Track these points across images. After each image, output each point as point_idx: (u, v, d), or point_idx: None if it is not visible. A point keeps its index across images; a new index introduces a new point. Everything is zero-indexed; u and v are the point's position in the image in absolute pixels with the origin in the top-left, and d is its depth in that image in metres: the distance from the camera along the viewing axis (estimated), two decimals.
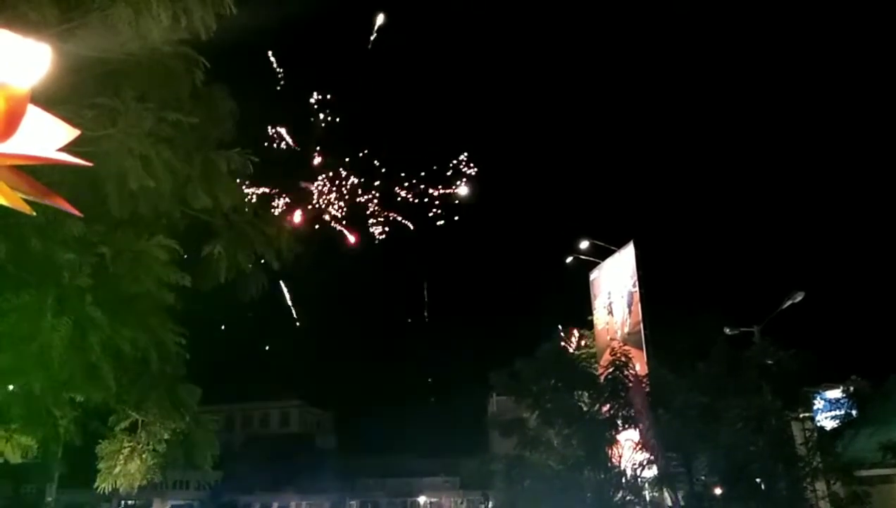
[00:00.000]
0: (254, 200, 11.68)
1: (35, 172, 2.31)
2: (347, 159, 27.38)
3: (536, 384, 18.59)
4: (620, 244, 24.06)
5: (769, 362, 15.64)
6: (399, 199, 27.88)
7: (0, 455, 11.43)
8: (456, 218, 28.30)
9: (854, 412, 18.50)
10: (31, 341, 8.46)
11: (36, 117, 2.15)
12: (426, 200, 27.88)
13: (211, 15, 8.47)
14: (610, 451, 17.47)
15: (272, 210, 11.90)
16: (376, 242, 27.40)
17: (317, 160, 26.37)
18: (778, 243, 71.17)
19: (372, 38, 26.91)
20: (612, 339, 22.58)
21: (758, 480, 15.14)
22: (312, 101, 26.48)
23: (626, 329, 22.63)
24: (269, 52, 25.53)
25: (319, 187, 26.00)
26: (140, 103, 8.41)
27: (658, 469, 14.55)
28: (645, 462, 15.59)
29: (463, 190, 28.31)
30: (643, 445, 15.35)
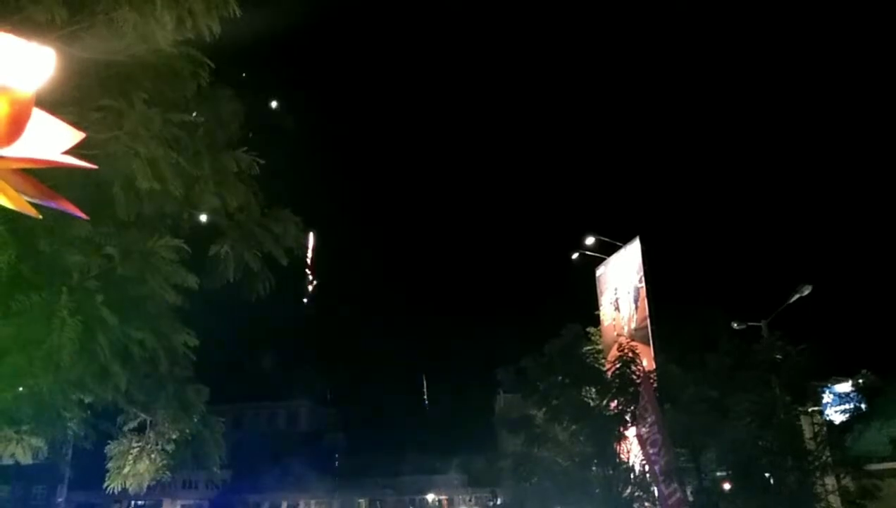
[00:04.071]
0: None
1: (40, 174, 2.33)
2: None
3: (543, 381, 18.59)
4: (626, 240, 24.01)
5: (778, 356, 15.58)
6: None
7: (10, 457, 11.50)
8: None
9: (863, 406, 18.39)
10: (40, 342, 8.50)
11: (41, 121, 2.16)
12: None
13: (214, 18, 8.49)
14: (618, 447, 17.46)
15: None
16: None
17: None
18: (785, 237, 70.86)
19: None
20: (618, 335, 22.54)
21: (766, 475, 15.10)
22: None
23: (633, 325, 22.57)
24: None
25: None
26: (146, 105, 8.43)
27: (666, 464, 14.52)
28: (652, 458, 15.60)
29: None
30: (650, 441, 15.34)
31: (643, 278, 22.38)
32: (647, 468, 16.12)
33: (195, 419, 12.05)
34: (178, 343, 10.64)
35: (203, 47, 9.09)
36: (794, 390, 15.35)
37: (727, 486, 16.03)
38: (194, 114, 9.81)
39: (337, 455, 55.84)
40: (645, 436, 15.40)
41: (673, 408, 16.02)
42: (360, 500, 54.37)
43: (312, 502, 54.24)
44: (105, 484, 12.00)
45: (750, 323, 18.21)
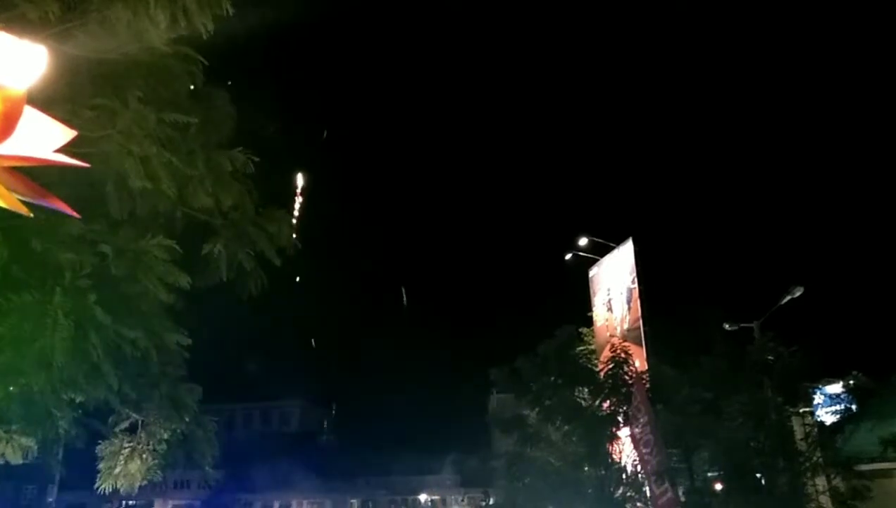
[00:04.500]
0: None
1: (33, 172, 2.32)
2: None
3: (537, 381, 18.60)
4: (619, 241, 24.08)
5: (770, 358, 15.62)
6: None
7: (1, 456, 11.44)
8: None
9: (854, 407, 18.49)
10: (32, 341, 8.46)
11: (33, 119, 2.15)
12: None
13: (208, 16, 8.45)
14: (610, 447, 17.51)
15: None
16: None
17: None
18: (777, 238, 71.16)
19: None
20: (611, 336, 22.60)
21: (758, 475, 15.14)
22: None
23: (626, 326, 22.64)
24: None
25: None
26: (140, 103, 8.40)
27: (658, 464, 14.55)
28: (645, 458, 15.63)
29: None
30: (643, 441, 15.37)
31: (636, 279, 22.47)
32: (639, 468, 16.16)
33: (187, 419, 12.01)
34: (171, 342, 10.60)
35: (198, 46, 9.07)
36: (785, 391, 15.39)
37: (719, 486, 16.07)
38: (188, 114, 9.77)
39: (329, 455, 55.75)
40: (638, 436, 15.44)
41: (665, 409, 16.06)
42: (353, 500, 54.28)
43: (305, 502, 54.12)
44: (96, 485, 11.96)
45: (742, 324, 18.28)
